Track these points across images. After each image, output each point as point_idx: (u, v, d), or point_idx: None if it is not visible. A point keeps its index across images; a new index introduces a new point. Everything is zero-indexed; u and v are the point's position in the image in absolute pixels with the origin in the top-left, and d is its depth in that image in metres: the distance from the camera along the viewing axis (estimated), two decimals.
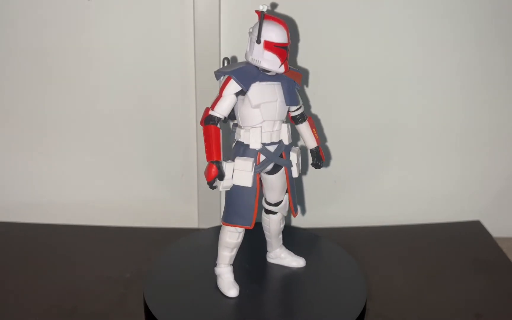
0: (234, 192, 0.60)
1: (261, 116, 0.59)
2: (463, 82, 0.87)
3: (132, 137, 0.87)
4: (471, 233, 0.90)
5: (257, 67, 0.59)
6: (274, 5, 0.80)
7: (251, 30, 0.59)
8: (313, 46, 0.83)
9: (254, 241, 0.64)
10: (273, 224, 0.67)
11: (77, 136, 0.87)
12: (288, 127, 0.63)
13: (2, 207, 0.89)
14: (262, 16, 0.57)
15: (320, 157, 0.66)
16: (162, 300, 0.62)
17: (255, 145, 0.60)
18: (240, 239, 0.63)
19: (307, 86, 0.84)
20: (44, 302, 0.70)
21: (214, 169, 0.57)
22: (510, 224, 0.93)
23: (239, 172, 0.59)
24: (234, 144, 0.62)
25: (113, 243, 0.85)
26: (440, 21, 0.83)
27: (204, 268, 0.67)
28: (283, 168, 0.63)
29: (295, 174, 0.64)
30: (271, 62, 0.58)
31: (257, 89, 0.59)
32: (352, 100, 0.86)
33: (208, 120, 0.58)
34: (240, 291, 0.63)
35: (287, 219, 0.89)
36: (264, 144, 0.60)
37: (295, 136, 0.65)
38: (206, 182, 0.59)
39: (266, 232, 0.68)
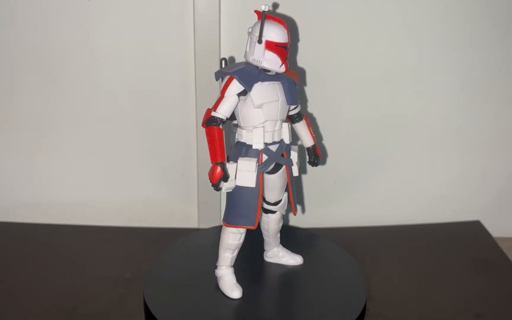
0: (237, 193, 0.60)
1: (264, 116, 0.59)
2: (463, 82, 0.87)
3: (132, 137, 0.87)
4: (471, 233, 0.90)
5: (257, 67, 0.59)
6: (274, 5, 0.80)
7: (250, 30, 0.59)
8: (313, 47, 0.83)
9: (251, 241, 0.64)
10: (272, 224, 0.67)
11: (77, 136, 0.87)
12: (288, 126, 0.63)
13: (2, 207, 0.89)
14: (264, 16, 0.57)
15: (317, 155, 0.67)
16: (162, 300, 0.62)
17: (258, 145, 0.60)
18: (242, 240, 0.63)
19: (307, 86, 0.84)
20: (44, 302, 0.70)
21: (219, 171, 0.57)
22: (510, 224, 0.93)
23: (242, 173, 0.59)
24: (234, 144, 0.62)
25: (113, 243, 0.84)
26: (440, 21, 0.83)
27: (204, 268, 0.67)
28: (283, 167, 0.63)
29: (295, 172, 0.64)
30: (272, 62, 0.58)
31: (259, 89, 0.59)
32: (352, 100, 0.86)
33: (210, 122, 0.58)
34: None
35: (287, 219, 0.90)
36: (266, 144, 0.60)
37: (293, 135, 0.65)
38: (211, 184, 0.58)
39: (264, 232, 0.68)
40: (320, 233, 0.82)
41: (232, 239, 0.62)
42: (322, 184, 0.90)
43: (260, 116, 0.59)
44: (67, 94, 0.85)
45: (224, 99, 0.59)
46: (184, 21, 0.81)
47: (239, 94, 0.59)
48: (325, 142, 0.88)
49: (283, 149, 0.62)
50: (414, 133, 0.89)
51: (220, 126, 0.58)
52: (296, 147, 0.64)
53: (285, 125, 0.63)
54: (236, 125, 0.62)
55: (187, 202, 0.90)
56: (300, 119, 0.65)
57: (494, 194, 0.93)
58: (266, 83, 0.59)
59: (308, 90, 0.85)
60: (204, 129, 0.59)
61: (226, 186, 0.59)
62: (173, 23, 0.81)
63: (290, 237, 0.75)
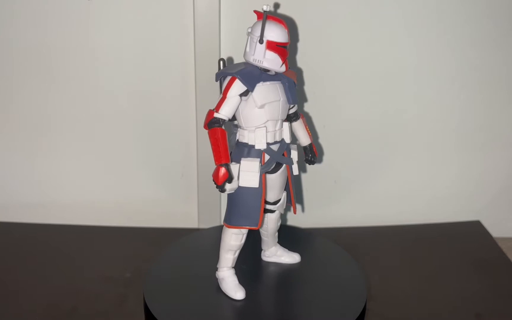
0: (240, 194, 0.60)
1: (266, 116, 0.59)
2: (462, 82, 0.87)
3: (132, 137, 0.87)
4: (471, 233, 0.90)
5: (258, 67, 0.59)
6: (275, 5, 0.80)
7: (249, 30, 0.60)
8: (313, 47, 0.83)
9: (247, 241, 0.64)
10: (271, 223, 0.67)
11: (77, 136, 0.87)
12: (288, 125, 0.63)
13: (2, 207, 0.89)
14: (265, 16, 0.57)
15: (314, 153, 0.67)
16: (162, 300, 0.62)
17: (260, 145, 0.60)
18: (243, 241, 0.63)
19: (307, 86, 0.84)
20: (44, 302, 0.70)
21: (224, 172, 0.57)
22: (510, 224, 0.93)
23: (245, 173, 0.59)
24: (235, 145, 0.62)
25: (113, 243, 0.84)
26: (440, 21, 0.83)
27: (204, 268, 0.67)
28: (283, 166, 0.63)
29: (295, 171, 0.64)
30: (272, 62, 0.59)
31: (261, 89, 0.59)
32: (352, 100, 0.86)
33: (212, 123, 0.58)
34: None
35: (285, 218, 0.90)
36: (268, 144, 0.61)
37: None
38: (215, 185, 0.58)
39: (263, 231, 0.68)
40: (320, 233, 0.82)
41: (235, 240, 0.62)
42: (322, 184, 0.90)
43: (262, 116, 0.59)
44: (67, 94, 0.85)
45: (226, 99, 0.59)
46: (184, 21, 0.81)
47: (240, 95, 0.59)
48: (325, 142, 0.88)
49: (284, 149, 0.62)
50: (414, 133, 0.89)
51: (223, 127, 0.58)
52: (295, 146, 0.65)
53: (286, 125, 0.63)
54: (236, 126, 0.62)
55: (187, 202, 0.90)
56: (297, 118, 0.65)
57: (494, 194, 0.93)
58: (267, 83, 0.59)
59: (308, 90, 0.85)
60: (207, 130, 0.59)
61: (229, 187, 0.59)
62: (173, 23, 0.81)
63: (290, 237, 0.75)
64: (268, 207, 0.65)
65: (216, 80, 0.61)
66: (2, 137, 0.87)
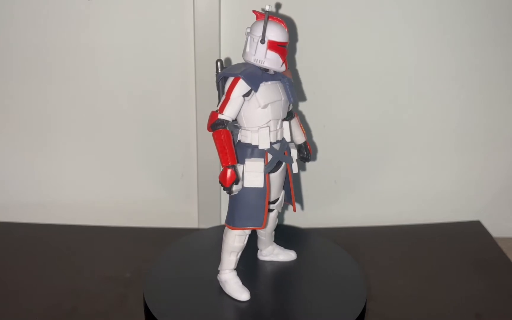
0: (244, 195, 0.60)
1: (269, 116, 0.60)
2: (462, 82, 0.87)
3: (132, 137, 0.87)
4: (471, 233, 0.90)
5: (259, 68, 0.59)
6: (276, 6, 0.80)
7: (248, 30, 0.60)
8: (313, 47, 0.83)
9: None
10: (269, 222, 0.67)
11: (77, 136, 0.87)
12: (288, 124, 0.63)
13: (2, 207, 0.89)
14: (267, 16, 0.57)
15: (308, 151, 0.67)
16: (162, 300, 0.62)
17: (264, 145, 0.60)
18: (246, 241, 0.63)
19: (307, 86, 0.84)
20: (44, 302, 0.70)
21: (231, 174, 0.57)
22: (510, 224, 0.93)
23: (250, 174, 0.59)
24: (236, 146, 0.62)
25: (113, 243, 0.84)
26: (440, 21, 0.83)
27: (204, 268, 0.68)
28: (283, 165, 0.63)
29: (295, 169, 0.65)
30: (273, 62, 0.59)
31: (264, 89, 0.59)
32: (352, 101, 0.86)
33: (216, 125, 0.58)
34: None
35: (288, 219, 0.90)
36: (271, 144, 0.61)
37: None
38: (223, 187, 0.58)
39: (260, 231, 0.68)
40: (320, 233, 0.82)
41: (238, 241, 0.62)
42: (322, 184, 0.90)
43: (265, 116, 0.60)
44: (67, 94, 0.85)
45: (230, 100, 0.58)
46: (184, 21, 0.81)
47: (243, 95, 0.59)
48: (325, 142, 0.88)
49: (285, 148, 0.63)
50: (414, 133, 0.89)
51: (227, 128, 0.58)
52: (293, 144, 0.65)
53: (286, 124, 0.63)
54: (237, 126, 0.62)
55: (187, 202, 0.90)
56: (292, 117, 0.65)
57: (494, 194, 0.93)
58: (269, 83, 0.60)
59: (308, 90, 0.85)
60: (211, 133, 0.58)
61: (234, 188, 0.59)
62: (173, 23, 0.81)
63: (290, 237, 0.76)
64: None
65: (217, 81, 0.61)
66: (2, 137, 0.87)
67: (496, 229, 0.91)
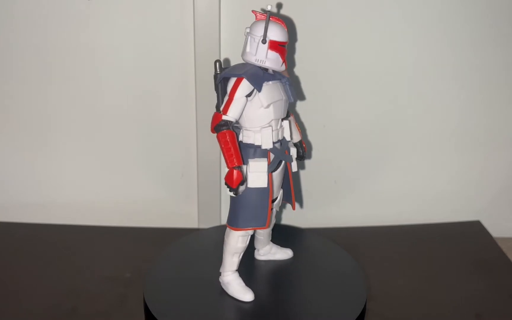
0: (247, 195, 0.60)
1: (271, 116, 0.60)
2: (462, 82, 0.87)
3: (132, 137, 0.87)
4: (471, 233, 0.90)
5: (260, 68, 0.59)
6: (277, 6, 0.80)
7: (248, 30, 0.60)
8: (313, 47, 0.83)
9: None
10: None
11: (77, 136, 0.87)
12: (288, 123, 0.63)
13: (2, 207, 0.89)
14: (268, 16, 0.58)
15: (303, 149, 0.67)
16: (162, 300, 0.63)
17: (267, 145, 0.60)
18: (248, 242, 0.63)
19: (307, 86, 0.84)
20: (44, 302, 0.70)
21: (238, 175, 0.57)
22: (510, 224, 0.93)
23: (254, 174, 0.59)
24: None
25: (113, 243, 0.84)
26: (440, 21, 0.83)
27: (204, 268, 0.68)
28: (282, 164, 0.63)
29: (295, 168, 0.65)
30: (274, 61, 0.59)
31: (266, 89, 0.59)
32: (352, 101, 0.86)
33: (220, 126, 0.58)
34: None
35: (288, 219, 0.90)
36: (273, 143, 0.61)
37: None
38: (229, 189, 0.58)
39: (259, 230, 0.68)
40: (320, 233, 0.82)
41: (241, 242, 0.62)
42: (322, 184, 0.90)
43: (267, 116, 0.60)
44: (67, 94, 0.85)
45: (234, 101, 0.58)
46: (184, 21, 0.81)
47: (246, 96, 0.59)
48: (325, 141, 0.88)
49: (286, 147, 0.63)
50: (414, 133, 0.89)
51: (231, 129, 0.58)
52: (291, 143, 0.65)
53: (286, 123, 0.63)
54: (238, 127, 0.62)
55: (187, 202, 0.90)
56: (288, 116, 0.65)
57: (494, 194, 0.93)
58: (270, 82, 0.60)
59: (308, 90, 0.85)
60: (216, 134, 0.58)
61: (240, 189, 0.59)
62: (173, 24, 0.81)
63: (290, 237, 0.76)
64: None
65: (218, 82, 0.61)
66: (2, 137, 0.87)
67: (496, 229, 0.91)
